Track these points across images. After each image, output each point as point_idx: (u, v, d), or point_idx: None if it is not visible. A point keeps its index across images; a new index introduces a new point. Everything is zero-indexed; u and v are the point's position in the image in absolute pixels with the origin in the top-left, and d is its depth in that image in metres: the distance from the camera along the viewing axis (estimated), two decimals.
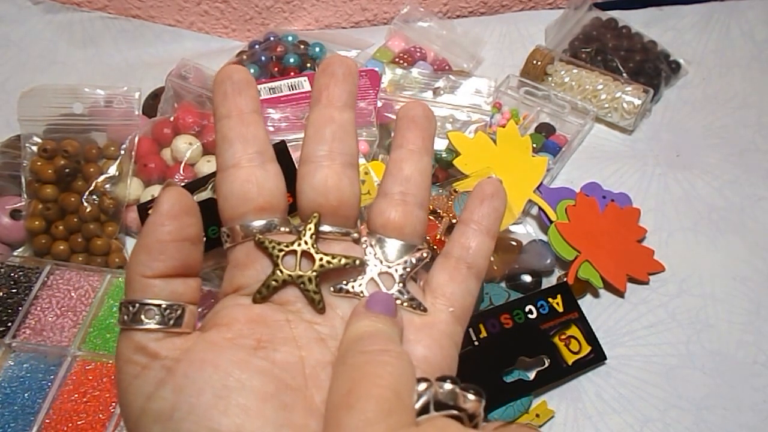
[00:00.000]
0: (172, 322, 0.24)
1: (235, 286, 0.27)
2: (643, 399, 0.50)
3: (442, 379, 0.21)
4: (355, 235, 0.28)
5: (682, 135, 0.69)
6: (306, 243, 0.27)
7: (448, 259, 0.29)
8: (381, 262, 0.28)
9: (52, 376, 0.46)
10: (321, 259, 0.26)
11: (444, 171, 0.61)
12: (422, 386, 0.21)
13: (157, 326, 0.24)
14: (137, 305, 0.24)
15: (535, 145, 0.63)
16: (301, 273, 0.26)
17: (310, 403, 0.24)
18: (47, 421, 0.44)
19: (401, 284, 0.28)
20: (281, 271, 0.26)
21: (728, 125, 0.70)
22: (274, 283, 0.26)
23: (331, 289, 0.27)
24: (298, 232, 0.27)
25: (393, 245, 0.28)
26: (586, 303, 0.55)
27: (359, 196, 0.28)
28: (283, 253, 0.26)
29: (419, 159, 0.29)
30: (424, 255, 0.28)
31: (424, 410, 0.21)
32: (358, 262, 0.27)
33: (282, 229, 0.27)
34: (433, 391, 0.21)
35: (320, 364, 0.25)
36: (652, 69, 0.71)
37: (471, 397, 0.21)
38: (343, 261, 0.27)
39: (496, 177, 0.31)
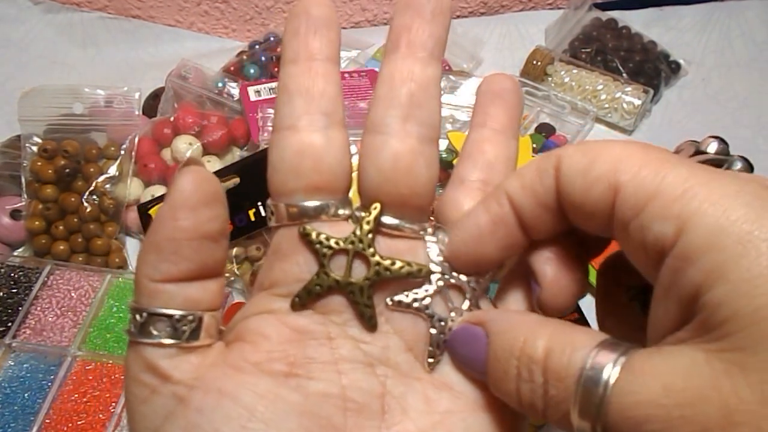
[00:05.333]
0: (186, 335, 0.20)
1: (271, 280, 0.22)
2: None
3: None
4: (429, 230, 0.22)
5: (682, 135, 0.69)
6: (361, 242, 0.21)
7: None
8: (449, 269, 0.22)
9: (52, 376, 0.46)
10: (377, 265, 0.21)
11: (444, 171, 0.61)
12: None
13: (169, 341, 0.20)
14: (145, 315, 0.20)
15: (535, 146, 0.63)
16: (351, 280, 0.21)
17: None
18: (47, 421, 0.44)
19: (472, 302, 0.22)
20: (327, 275, 0.21)
21: (728, 125, 0.70)
22: (317, 288, 0.21)
23: (388, 301, 0.22)
24: (357, 219, 0.22)
25: None
26: (586, 303, 0.55)
27: (436, 181, 0.22)
28: (331, 251, 0.21)
29: (506, 142, 0.24)
30: (504, 263, 0.22)
31: None
32: (424, 271, 0.21)
33: (340, 212, 0.22)
34: None
35: (366, 398, 0.21)
36: (651, 69, 0.71)
37: None
38: (405, 269, 0.21)
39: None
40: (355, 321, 0.22)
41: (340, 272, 0.21)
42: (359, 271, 0.21)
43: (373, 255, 0.21)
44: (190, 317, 0.20)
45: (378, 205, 0.22)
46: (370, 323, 0.21)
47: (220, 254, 0.21)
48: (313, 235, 0.21)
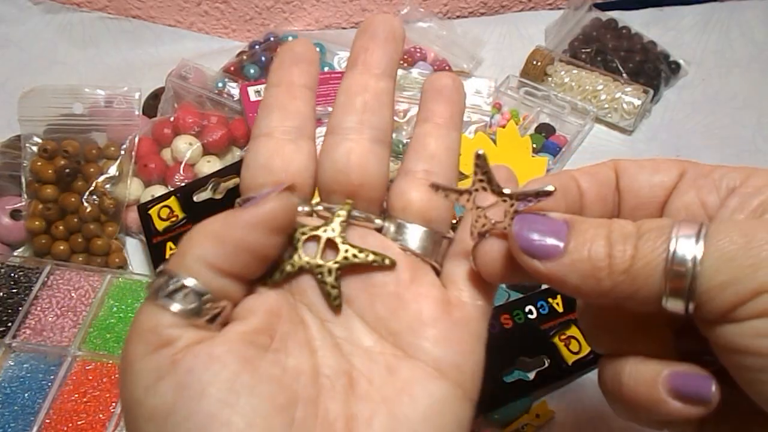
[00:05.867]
0: (206, 318, 0.21)
1: None
2: None
3: None
4: (378, 222, 0.25)
5: (681, 135, 0.69)
6: (333, 230, 0.24)
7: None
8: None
9: (52, 376, 0.46)
10: (346, 251, 0.24)
11: None
12: None
13: (188, 315, 0.21)
14: (180, 283, 0.21)
15: (535, 146, 0.63)
16: (321, 262, 0.23)
17: (323, 418, 0.21)
18: (47, 421, 0.44)
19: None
20: (299, 257, 0.23)
21: (728, 125, 0.70)
22: (289, 268, 0.23)
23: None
24: (329, 214, 0.25)
25: (415, 232, 0.25)
26: None
27: (387, 177, 0.25)
28: (305, 236, 0.24)
29: (446, 134, 0.26)
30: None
31: None
32: (387, 261, 0.24)
33: (300, 208, 0.25)
34: None
35: (335, 374, 0.23)
36: (651, 69, 0.71)
37: None
38: (371, 257, 0.24)
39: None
40: (321, 302, 0.24)
41: (311, 257, 0.24)
42: (329, 257, 0.24)
43: (344, 242, 0.24)
44: (217, 303, 0.22)
45: (351, 201, 0.25)
46: (335, 303, 0.24)
47: (263, 271, 0.23)
48: None
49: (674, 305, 0.20)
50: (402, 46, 0.27)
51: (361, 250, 0.24)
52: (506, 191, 0.22)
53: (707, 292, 0.19)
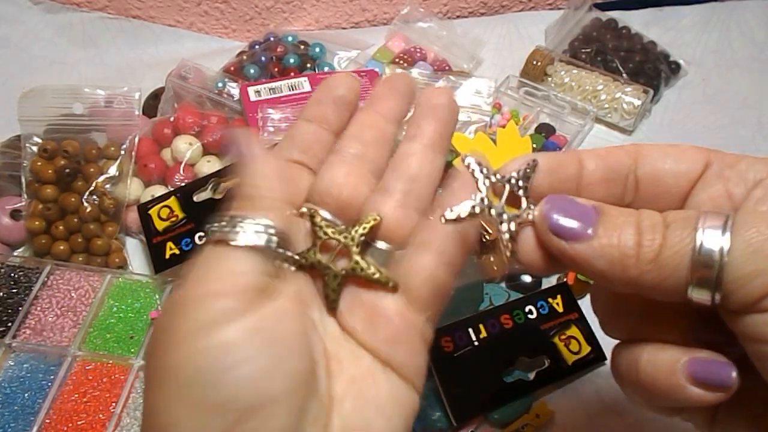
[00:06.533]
0: (280, 258, 0.23)
1: None
2: None
3: None
4: (355, 234, 0.26)
5: (682, 135, 0.69)
6: (352, 239, 0.25)
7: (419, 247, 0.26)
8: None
9: (52, 376, 0.46)
10: (356, 263, 0.25)
11: (444, 172, 0.61)
12: None
13: (265, 252, 0.22)
14: (259, 222, 0.22)
15: (535, 146, 0.63)
16: (330, 266, 0.25)
17: (319, 393, 0.23)
18: (47, 421, 0.44)
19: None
20: (314, 254, 0.25)
21: (728, 125, 0.70)
22: (303, 261, 0.25)
23: (444, 217, 0.24)
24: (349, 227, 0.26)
25: (376, 248, 0.26)
26: (586, 303, 0.55)
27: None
28: (326, 237, 0.25)
29: (432, 158, 0.27)
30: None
31: None
32: (391, 283, 0.24)
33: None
34: None
35: (320, 352, 0.24)
36: (651, 69, 0.71)
37: None
38: (376, 275, 0.24)
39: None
40: (308, 291, 0.25)
41: (325, 257, 0.25)
42: (340, 263, 0.25)
43: (357, 254, 0.25)
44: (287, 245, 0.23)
45: (379, 217, 0.25)
46: (331, 306, 0.25)
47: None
48: (317, 219, 0.25)
49: (700, 295, 0.20)
50: (412, 102, 0.29)
51: (369, 265, 0.25)
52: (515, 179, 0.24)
53: (734, 282, 0.19)
